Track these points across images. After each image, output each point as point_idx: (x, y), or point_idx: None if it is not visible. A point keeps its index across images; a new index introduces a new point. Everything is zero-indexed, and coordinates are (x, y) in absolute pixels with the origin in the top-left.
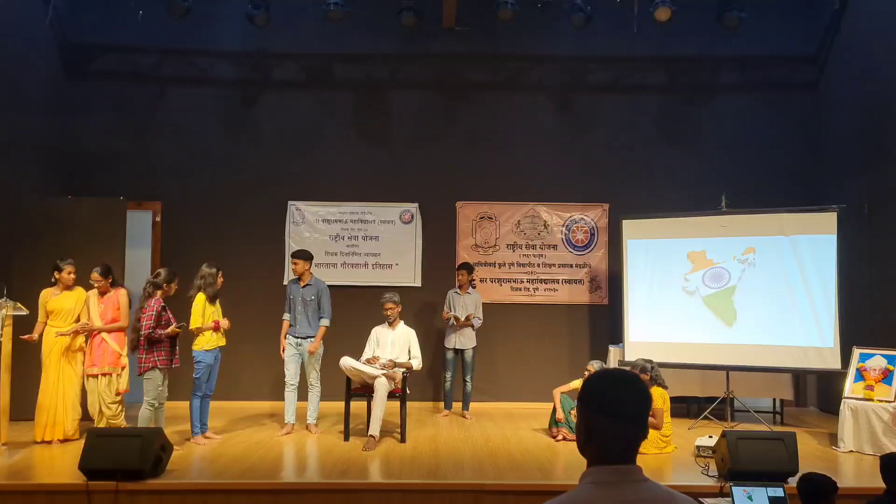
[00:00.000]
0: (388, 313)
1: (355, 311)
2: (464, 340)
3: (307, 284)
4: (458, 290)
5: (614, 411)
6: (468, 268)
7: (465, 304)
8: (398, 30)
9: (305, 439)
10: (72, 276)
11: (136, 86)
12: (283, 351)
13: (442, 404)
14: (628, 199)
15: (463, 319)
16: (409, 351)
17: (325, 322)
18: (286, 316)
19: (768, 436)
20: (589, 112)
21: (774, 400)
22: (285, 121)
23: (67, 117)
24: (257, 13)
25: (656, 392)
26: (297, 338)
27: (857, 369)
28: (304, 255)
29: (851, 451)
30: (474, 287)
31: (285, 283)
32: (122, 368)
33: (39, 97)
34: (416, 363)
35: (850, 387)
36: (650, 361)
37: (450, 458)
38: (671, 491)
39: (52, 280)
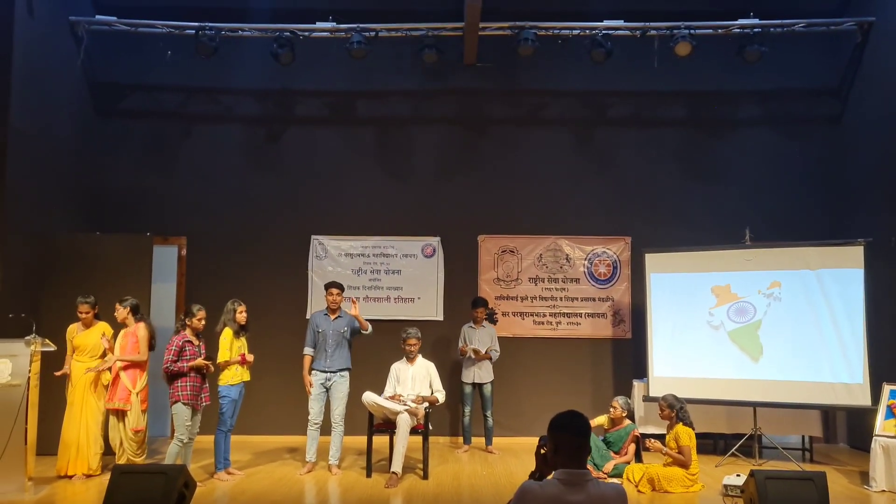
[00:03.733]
0: (412, 349)
1: (378, 345)
2: (482, 374)
3: (338, 317)
4: (472, 325)
5: (569, 428)
6: (484, 303)
7: (480, 338)
8: (420, 66)
9: (328, 476)
10: (87, 315)
11: (163, 123)
12: (311, 387)
13: (461, 439)
14: (650, 233)
15: (483, 353)
16: (431, 384)
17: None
18: (309, 350)
19: (798, 476)
20: (610, 146)
21: (803, 436)
22: (308, 156)
23: (96, 154)
24: (282, 52)
25: (682, 430)
26: (327, 372)
27: (888, 406)
28: (342, 286)
29: (884, 490)
30: (492, 321)
31: (307, 316)
32: (131, 405)
33: (70, 135)
34: (441, 396)
35: (881, 424)
36: (679, 400)
37: (472, 495)
38: (608, 488)
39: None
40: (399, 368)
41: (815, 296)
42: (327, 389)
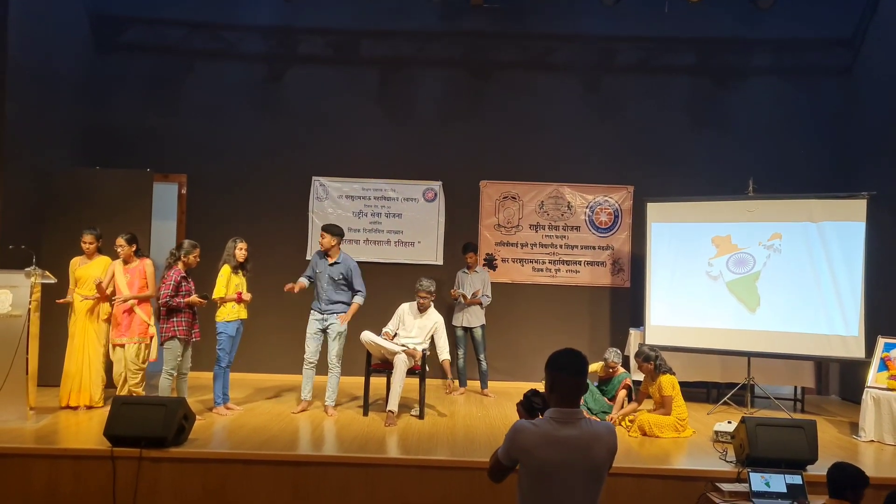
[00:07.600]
0: (423, 301)
1: (377, 287)
2: (470, 318)
3: (335, 262)
4: (465, 270)
5: (567, 368)
6: (473, 248)
7: (472, 283)
8: (426, 6)
9: (324, 416)
10: (90, 245)
11: (165, 59)
12: (294, 285)
13: (457, 382)
14: (653, 182)
15: (470, 297)
16: (435, 339)
17: (360, 299)
18: (303, 280)
19: (788, 423)
20: (616, 93)
21: (795, 387)
22: (311, 96)
23: (97, 89)
24: None
25: (666, 379)
26: (324, 313)
27: (882, 359)
28: (334, 231)
29: (872, 440)
30: (491, 266)
31: (308, 258)
32: (151, 338)
33: (70, 69)
34: (445, 355)
35: (873, 376)
36: (654, 349)
37: (467, 435)
38: (600, 426)
39: (82, 249)
40: (407, 313)
41: (816, 248)
42: (324, 330)
